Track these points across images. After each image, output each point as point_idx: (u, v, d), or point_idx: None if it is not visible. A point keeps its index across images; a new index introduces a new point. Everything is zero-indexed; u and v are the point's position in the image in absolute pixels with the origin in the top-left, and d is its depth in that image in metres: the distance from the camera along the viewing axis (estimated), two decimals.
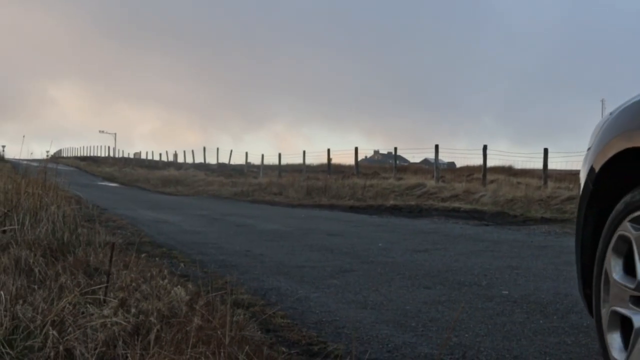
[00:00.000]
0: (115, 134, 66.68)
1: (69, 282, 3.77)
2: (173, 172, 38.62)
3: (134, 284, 3.73)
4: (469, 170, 29.06)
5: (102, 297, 3.37)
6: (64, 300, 3.16)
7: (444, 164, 37.48)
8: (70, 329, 2.84)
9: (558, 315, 4.21)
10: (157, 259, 5.99)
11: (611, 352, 2.55)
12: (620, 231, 2.51)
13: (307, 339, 3.56)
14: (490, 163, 21.79)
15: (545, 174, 18.89)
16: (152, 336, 2.72)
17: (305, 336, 3.62)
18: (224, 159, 43.78)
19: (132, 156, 65.16)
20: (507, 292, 4.96)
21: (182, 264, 6.04)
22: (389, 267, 6.24)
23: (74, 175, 23.78)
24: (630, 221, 2.45)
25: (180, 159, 52.22)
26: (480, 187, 18.31)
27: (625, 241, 2.49)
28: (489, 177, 20.25)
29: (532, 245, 8.21)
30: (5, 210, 6.20)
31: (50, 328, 2.83)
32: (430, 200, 16.85)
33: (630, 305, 2.41)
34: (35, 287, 3.75)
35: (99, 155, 75.01)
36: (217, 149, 44.35)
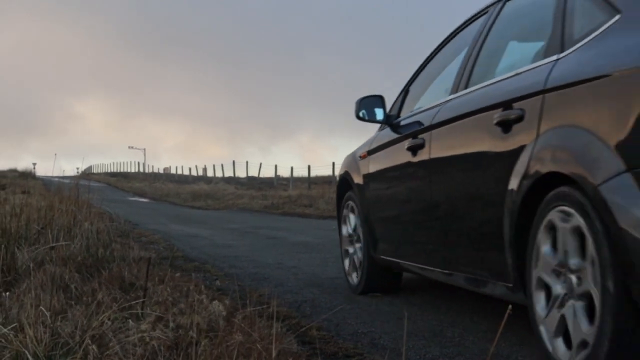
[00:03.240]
0: (144, 149, 67.32)
1: (105, 297, 3.79)
2: (203, 186, 38.86)
3: (170, 299, 3.75)
4: None
5: (139, 311, 3.39)
6: (102, 315, 3.18)
7: None
8: (110, 343, 2.85)
9: None
10: (192, 273, 6.01)
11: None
12: (344, 209, 5.66)
13: (344, 351, 3.55)
14: None
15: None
16: (191, 350, 2.73)
17: (342, 348, 3.61)
18: (253, 172, 44.01)
19: (161, 171, 65.85)
20: None
21: (216, 278, 6.06)
22: (422, 276, 6.19)
23: (105, 192, 23.99)
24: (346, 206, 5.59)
25: (209, 173, 52.63)
26: None
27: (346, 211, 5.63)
28: None
29: None
30: (40, 227, 6.28)
31: (90, 343, 2.86)
32: None
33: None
34: (73, 302, 3.78)
35: (128, 171, 75.92)
36: (247, 162, 44.71)
